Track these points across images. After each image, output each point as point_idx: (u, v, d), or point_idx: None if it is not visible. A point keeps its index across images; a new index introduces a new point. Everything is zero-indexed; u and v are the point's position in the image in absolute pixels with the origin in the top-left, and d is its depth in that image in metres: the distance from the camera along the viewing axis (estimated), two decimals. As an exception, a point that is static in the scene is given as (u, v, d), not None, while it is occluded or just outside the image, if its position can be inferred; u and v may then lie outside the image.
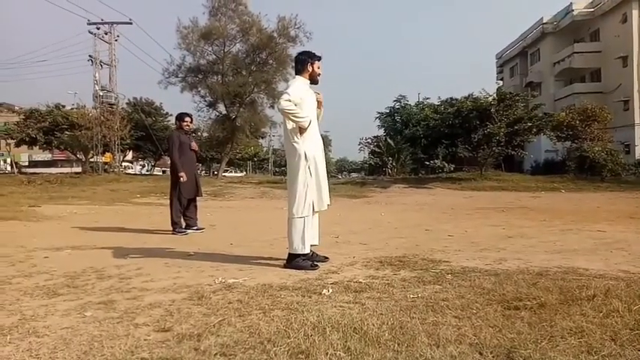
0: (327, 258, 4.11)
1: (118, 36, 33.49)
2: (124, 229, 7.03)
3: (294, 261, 3.83)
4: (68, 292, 3.11)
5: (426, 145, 27.98)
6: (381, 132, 34.22)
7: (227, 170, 48.93)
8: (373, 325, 2.28)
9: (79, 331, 2.29)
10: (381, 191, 19.13)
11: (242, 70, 28.48)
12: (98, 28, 32.53)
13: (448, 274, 3.51)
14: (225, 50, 28.11)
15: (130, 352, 1.99)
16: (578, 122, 24.80)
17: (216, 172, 36.28)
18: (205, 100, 29.47)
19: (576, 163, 23.85)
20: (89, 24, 32.27)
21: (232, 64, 28.38)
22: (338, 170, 74.60)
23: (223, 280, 3.32)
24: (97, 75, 32.77)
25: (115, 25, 33.03)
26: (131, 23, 33.21)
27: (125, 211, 11.07)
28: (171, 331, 2.25)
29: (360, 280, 3.31)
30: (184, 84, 28.64)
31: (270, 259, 4.24)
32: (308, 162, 3.88)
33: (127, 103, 39.71)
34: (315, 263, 3.84)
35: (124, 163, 45.92)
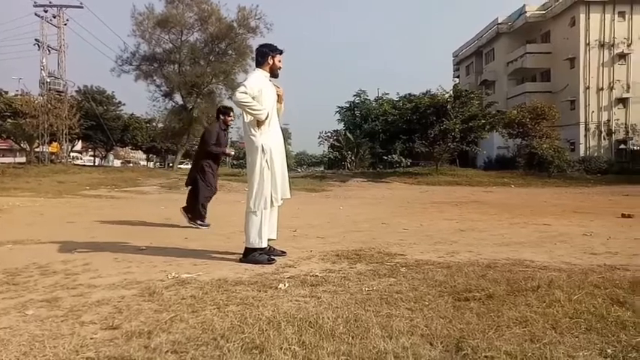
0: (284, 252, 4.09)
1: (67, 20, 31.84)
2: (71, 223, 6.73)
3: (250, 255, 3.79)
4: (7, 289, 2.94)
5: (384, 139, 28.44)
6: (341, 126, 34.49)
7: (183, 162, 47.70)
8: (328, 319, 2.29)
9: (19, 331, 2.16)
10: (340, 185, 19.28)
11: (200, 60, 27.85)
12: (46, 11, 30.81)
13: (403, 267, 3.58)
14: (183, 39, 27.40)
15: (74, 352, 1.90)
16: (528, 120, 25.96)
17: (171, 164, 35.37)
18: (161, 90, 28.64)
19: (526, 159, 24.98)
20: (35, 6, 30.53)
21: (190, 53, 27.69)
22: (298, 164, 74.48)
23: (176, 275, 3.24)
24: (44, 60, 31.05)
25: (64, 8, 31.37)
26: (82, 7, 31.67)
27: (73, 203, 10.60)
28: (119, 329, 2.17)
29: (317, 274, 3.31)
30: (139, 72, 27.71)
31: (227, 253, 4.18)
32: (266, 155, 3.84)
33: (76, 91, 37.95)
34: (272, 257, 3.81)
35: (72, 154, 43.90)
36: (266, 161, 3.84)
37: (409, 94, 27.46)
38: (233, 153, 6.78)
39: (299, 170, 51.48)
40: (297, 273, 3.37)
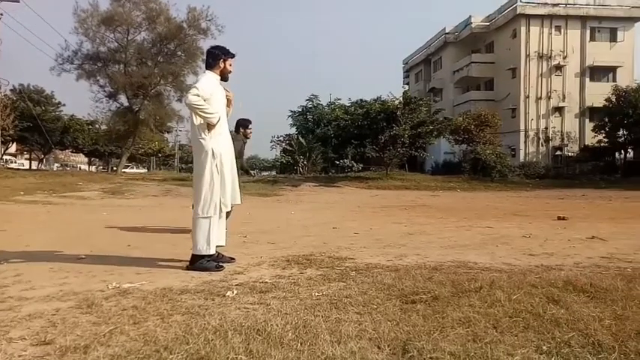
0: (233, 259, 4.01)
1: (1, 14, 29.85)
2: (2, 231, 6.28)
3: (197, 262, 3.68)
4: None
5: (336, 144, 28.71)
6: (294, 130, 34.49)
7: (128, 166, 45.85)
8: (277, 326, 2.26)
9: (-63, 351, 1.98)
10: (292, 190, 19.25)
11: (147, 61, 26.92)
12: (-23, 4, 28.73)
13: (353, 271, 3.60)
14: (129, 38, 26.41)
15: (0, 371, 1.76)
16: (473, 127, 27.07)
17: (115, 168, 33.87)
18: (105, 91, 27.41)
19: (471, 165, 26.02)
20: (-35, -2, 28.39)
21: (137, 53, 26.72)
22: (249, 168, 73.70)
23: (117, 285, 3.09)
24: (-26, 56, 28.93)
25: (-3, 1, 29.39)
26: (18, 1, 29.82)
27: (5, 210, 9.91)
28: (52, 344, 2.03)
29: (266, 280, 3.27)
30: (81, 72, 26.39)
31: (173, 260, 4.04)
32: (215, 159, 3.76)
33: (11, 90, 35.56)
34: (221, 264, 3.73)
35: (5, 157, 41.14)
36: (215, 166, 3.76)
37: (361, 99, 27.97)
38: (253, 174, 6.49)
39: (252, 173, 50.98)
40: (247, 280, 3.31)
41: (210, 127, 3.75)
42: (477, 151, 25.89)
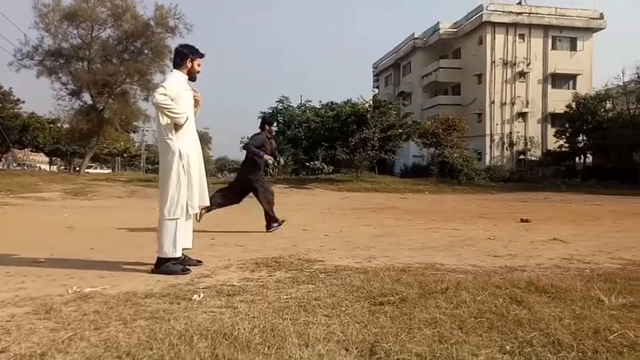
0: (200, 261, 3.94)
1: (-44, 6, 28.46)
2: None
3: (163, 265, 3.60)
4: None
5: (307, 146, 28.70)
6: (264, 132, 34.22)
7: (91, 166, 44.42)
8: (244, 330, 2.23)
9: None
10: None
11: (112, 58, 26.16)
12: None
13: (322, 273, 3.60)
14: (94, 35, 25.58)
15: (-53, 383, 1.66)
16: (441, 131, 27.63)
17: (77, 168, 32.75)
18: (67, 88, 26.42)
19: (438, 168, 26.54)
20: None
21: (101, 50, 25.92)
22: (218, 169, 72.75)
23: (78, 290, 2.98)
24: None
25: (-48, -8, 27.99)
26: (-26, -7, 28.46)
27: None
28: (6, 352, 1.94)
29: (234, 283, 3.22)
30: (42, 68, 25.37)
31: (137, 264, 3.93)
32: (182, 160, 3.69)
33: (-35, 86, 33.93)
34: (187, 267, 3.65)
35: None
36: (182, 167, 3.69)
37: (331, 102, 28.10)
38: (271, 161, 7.08)
39: (219, 176, 50.29)
40: (214, 283, 3.25)
41: (177, 127, 3.68)
42: (444, 154, 26.43)
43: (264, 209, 6.71)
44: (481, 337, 2.16)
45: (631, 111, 30.68)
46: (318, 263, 4.04)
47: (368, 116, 23.96)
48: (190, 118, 3.82)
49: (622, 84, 31.72)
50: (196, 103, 4.02)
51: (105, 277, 3.43)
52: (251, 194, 6.90)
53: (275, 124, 7.28)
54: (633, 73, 31.10)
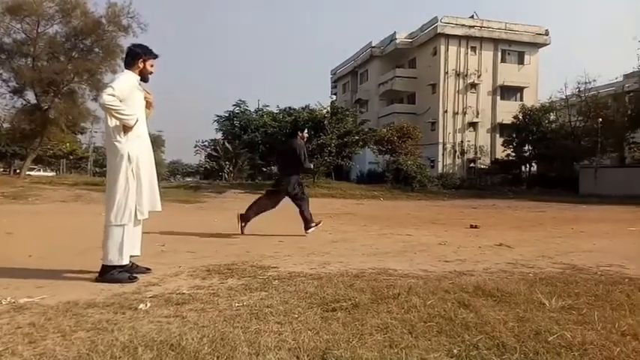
0: (148, 269, 3.79)
1: None
2: None
3: (108, 273, 3.44)
4: None
5: (263, 151, 28.49)
6: (219, 135, 33.74)
7: (33, 168, 42.03)
8: (192, 340, 2.16)
9: None
10: (217, 196, 18.78)
11: (60, 56, 24.94)
12: None
13: (275, 279, 3.56)
14: (39, 30, 24.30)
15: None
16: (396, 138, 28.22)
17: (18, 171, 30.88)
18: (9, 86, 24.90)
19: (393, 174, 27.05)
20: None
21: (48, 47, 24.65)
22: (171, 173, 70.83)
23: (12, 300, 2.79)
24: None
25: None
26: None
27: None
28: None
29: (184, 292, 3.13)
30: (-21, 63, 23.85)
31: (81, 272, 3.74)
32: (131, 164, 3.56)
33: None
34: (134, 275, 3.51)
35: None
36: (131, 170, 3.56)
37: (289, 107, 28.02)
38: (312, 166, 7.44)
39: (172, 180, 48.97)
40: (162, 291, 3.14)
41: (126, 129, 3.55)
42: (399, 161, 27.00)
43: (300, 212, 7.11)
44: (430, 342, 2.20)
45: (572, 123, 32.57)
46: (271, 270, 3.99)
47: (325, 122, 24.13)
48: (141, 120, 3.70)
49: (564, 97, 33.64)
50: (148, 104, 3.90)
51: (43, 286, 3.24)
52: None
53: (306, 130, 7.76)
54: (574, 87, 33.10)
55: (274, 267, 4.14)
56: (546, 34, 38.74)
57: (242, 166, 29.35)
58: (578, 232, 8.10)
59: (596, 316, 2.56)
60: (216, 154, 29.32)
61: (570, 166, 31.68)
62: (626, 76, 34.71)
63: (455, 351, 2.07)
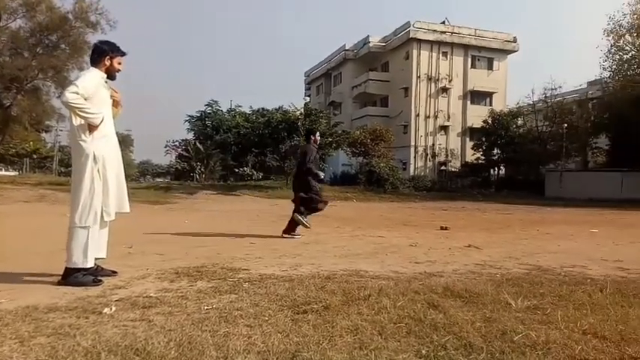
0: (114, 272, 3.69)
1: None
2: None
3: (72, 276, 3.33)
4: None
5: (236, 152, 28.23)
6: (191, 136, 33.25)
7: (-3, 168, 40.44)
8: (159, 344, 2.11)
9: None
10: (187, 197, 18.49)
11: (23, 51, 24.09)
12: None
13: (246, 282, 3.52)
14: (2, 25, 23.44)
15: None
16: (369, 141, 28.43)
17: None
18: (-31, 82, 23.96)
19: (366, 177, 27.25)
20: None
21: (10, 42, 23.78)
22: (140, 174, 69.25)
23: (-32, 306, 2.66)
24: None
25: None
26: None
27: None
28: None
29: (151, 295, 3.05)
30: (-64, 58, 22.79)
31: (43, 275, 3.60)
32: (97, 164, 3.45)
33: None
34: (99, 278, 3.40)
35: None
36: (97, 171, 3.46)
37: (262, 108, 27.87)
38: (322, 176, 7.54)
39: (141, 181, 47.90)
40: (128, 295, 3.06)
41: (91, 128, 3.44)
42: (372, 163, 27.22)
43: (292, 215, 7.01)
44: (399, 343, 2.21)
45: (539, 128, 33.58)
46: (242, 272, 3.95)
47: (299, 124, 24.10)
48: (108, 119, 3.60)
49: (532, 103, 34.65)
50: (116, 103, 3.80)
51: (2, 290, 3.10)
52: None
53: (318, 133, 7.79)
54: (541, 93, 34.15)
55: (245, 269, 4.09)
56: (514, 41, 39.83)
57: (214, 166, 28.94)
58: (544, 233, 8.34)
59: (560, 316, 2.63)
60: (187, 154, 28.80)
61: (537, 170, 32.64)
62: (590, 84, 36.07)
63: (423, 352, 2.09)
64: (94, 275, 3.43)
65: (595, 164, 33.65)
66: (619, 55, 26.47)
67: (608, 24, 26.10)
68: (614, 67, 27.02)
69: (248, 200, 18.68)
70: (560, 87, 33.74)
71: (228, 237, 6.75)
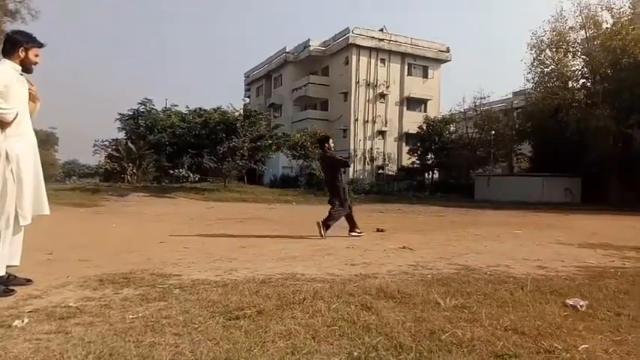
0: (29, 280, 3.40)
1: None
2: None
3: (-21, 286, 3.02)
4: None
5: (171, 153, 27.28)
6: (122, 135, 31.71)
7: None
8: (76, 358, 1.98)
9: None
10: (118, 199, 17.59)
11: None
12: None
13: (176, 288, 3.38)
14: None
15: None
16: (309, 144, 28.57)
17: None
18: None
19: (306, 179, 27.37)
20: None
21: None
22: (66, 174, 64.88)
23: None
24: None
25: None
26: None
27: None
28: None
29: (70, 304, 2.85)
30: None
31: (-56, 285, 3.25)
32: (10, 163, 3.18)
33: None
34: (11, 288, 3.12)
35: None
36: (11, 171, 3.18)
37: (199, 108, 27.05)
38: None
39: (67, 182, 44.97)
40: (44, 305, 2.83)
41: (3, 124, 3.17)
42: (312, 166, 27.39)
43: (350, 214, 7.96)
44: (332, 345, 2.21)
45: (469, 134, 35.42)
46: (173, 278, 3.79)
47: (238, 125, 23.73)
48: (23, 115, 3.32)
49: (463, 110, 36.51)
50: (33, 97, 3.51)
51: None
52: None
53: (331, 140, 8.48)
54: (471, 102, 36.07)
55: (176, 275, 3.93)
56: (447, 51, 41.76)
57: (147, 168, 27.74)
58: (473, 235, 8.77)
59: (484, 314, 2.76)
60: (118, 154, 27.33)
61: (467, 174, 34.41)
62: (515, 94, 38.58)
63: (355, 354, 2.10)
64: (6, 285, 3.14)
65: (519, 169, 36.03)
66: (540, 68, 28.49)
67: (532, 39, 28.03)
68: (536, 79, 29.06)
69: (183, 203, 18.09)
70: (489, 96, 35.89)
71: (160, 241, 6.47)
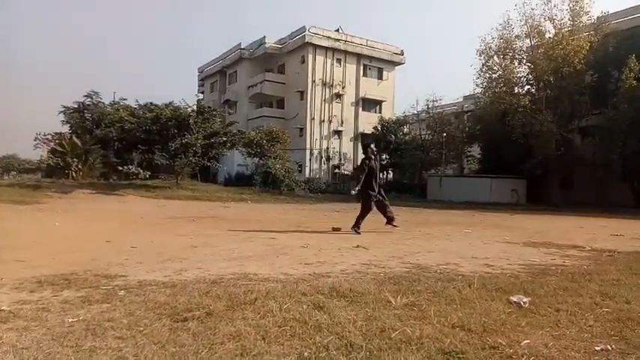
0: (-43, 282, 3.16)
1: None
2: None
3: None
4: None
5: (120, 148, 26.23)
6: (66, 129, 30.15)
7: None
8: (6, 366, 1.82)
9: None
10: (61, 197, 16.71)
11: None
12: None
13: (122, 290, 3.24)
14: None
15: None
16: (265, 142, 28.36)
17: None
18: None
19: (262, 177, 27.13)
20: None
21: None
22: (4, 170, 61.00)
23: None
24: None
25: None
26: None
27: None
28: None
29: (3, 308, 2.66)
30: None
31: None
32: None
33: None
34: None
35: None
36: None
37: (150, 102, 26.11)
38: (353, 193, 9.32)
39: (5, 178, 42.32)
40: (-27, 310, 2.62)
41: None
42: (268, 164, 27.17)
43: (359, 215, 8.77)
44: (283, 346, 2.18)
45: (422, 136, 36.33)
46: (119, 279, 3.63)
47: (191, 121, 23.14)
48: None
49: (416, 112, 37.41)
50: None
51: None
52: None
53: (373, 144, 9.36)
54: (425, 104, 37.00)
55: (122, 275, 3.77)
56: (402, 54, 42.62)
57: (93, 163, 26.52)
58: (425, 234, 8.99)
59: (433, 311, 2.82)
60: (61, 149, 25.92)
61: (420, 174, 35.27)
62: (465, 98, 39.96)
63: (306, 354, 2.08)
64: None
65: (470, 170, 37.33)
66: (488, 73, 29.59)
67: (480, 45, 29.04)
68: (485, 84, 30.16)
69: (133, 201, 17.45)
70: (441, 99, 36.90)
71: (106, 241, 6.20)
